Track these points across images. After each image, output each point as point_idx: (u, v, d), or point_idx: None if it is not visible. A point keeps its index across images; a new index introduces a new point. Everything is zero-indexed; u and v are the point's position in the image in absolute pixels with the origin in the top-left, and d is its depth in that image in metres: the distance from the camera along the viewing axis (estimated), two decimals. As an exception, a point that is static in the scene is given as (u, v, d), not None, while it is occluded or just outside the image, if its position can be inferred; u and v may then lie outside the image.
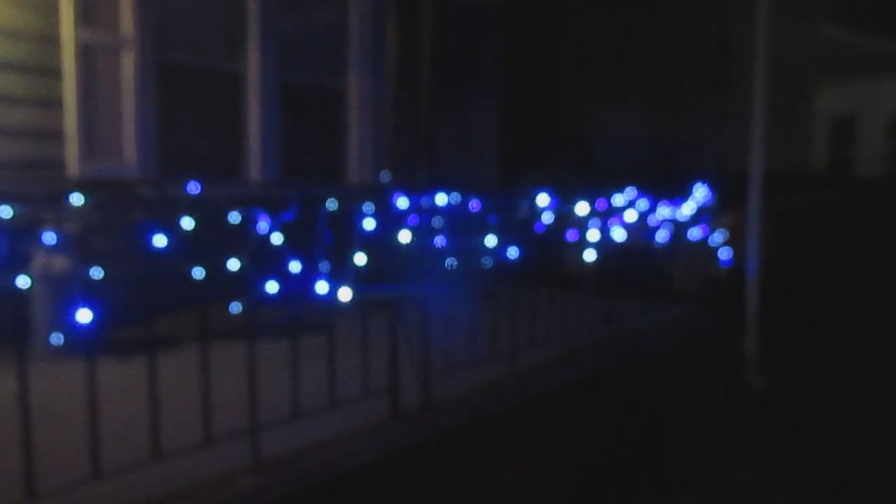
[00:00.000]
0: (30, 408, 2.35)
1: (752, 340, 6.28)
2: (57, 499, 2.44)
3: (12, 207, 2.28)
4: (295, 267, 3.06)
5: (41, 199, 2.53)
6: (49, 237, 2.78)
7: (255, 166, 6.54)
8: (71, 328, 2.50)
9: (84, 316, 2.51)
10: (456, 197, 3.83)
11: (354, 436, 3.29)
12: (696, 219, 6.59)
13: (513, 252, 4.33)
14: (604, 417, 4.73)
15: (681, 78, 12.17)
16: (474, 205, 4.03)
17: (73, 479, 2.50)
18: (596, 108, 13.02)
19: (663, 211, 6.15)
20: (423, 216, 3.61)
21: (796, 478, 5.38)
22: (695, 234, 6.62)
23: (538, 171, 10.15)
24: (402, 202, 3.48)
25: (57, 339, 2.69)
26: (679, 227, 6.47)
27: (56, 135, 5.24)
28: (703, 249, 6.75)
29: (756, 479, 5.37)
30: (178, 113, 6.05)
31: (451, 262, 3.84)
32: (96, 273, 2.56)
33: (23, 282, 2.40)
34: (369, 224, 3.34)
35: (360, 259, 3.31)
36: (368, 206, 3.35)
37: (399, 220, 3.49)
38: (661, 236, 6.21)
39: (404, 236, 3.48)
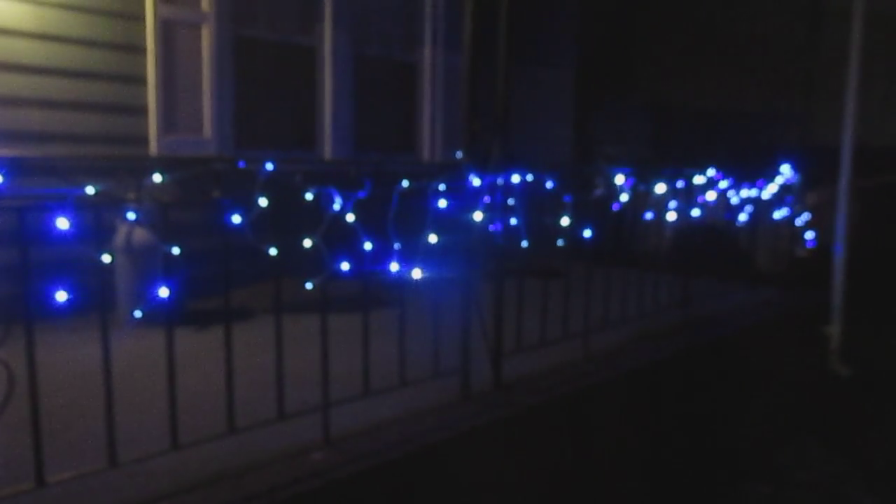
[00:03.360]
0: (112, 379, 2.42)
1: (838, 326, 6.00)
2: (136, 468, 2.51)
3: (94, 186, 2.32)
4: (367, 245, 3.04)
5: (124, 175, 2.58)
6: (131, 212, 2.83)
7: (328, 141, 6.58)
8: (151, 299, 2.55)
9: (163, 290, 2.56)
10: (530, 176, 3.74)
11: (425, 415, 3.28)
12: (779, 198, 6.30)
13: (587, 231, 4.23)
14: (679, 401, 4.61)
15: (766, 45, 11.64)
16: (549, 184, 3.94)
17: (151, 448, 2.57)
18: (674, 79, 12.60)
19: (745, 191, 5.90)
20: (496, 195, 3.54)
21: (880, 472, 5.15)
22: (778, 214, 6.35)
23: (614, 146, 9.93)
24: (476, 181, 3.42)
25: (138, 311, 2.75)
26: (762, 207, 6.21)
27: (139, 110, 5.37)
28: (787, 230, 6.47)
29: (838, 470, 5.16)
30: (253, 87, 6.12)
31: (524, 241, 3.76)
32: (175, 247, 2.60)
33: (106, 255, 2.46)
34: (442, 203, 3.30)
35: (433, 238, 3.28)
36: (441, 185, 3.31)
37: (472, 198, 3.43)
38: (743, 216, 5.97)
39: (477, 216, 3.42)
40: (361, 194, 2.98)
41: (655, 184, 4.81)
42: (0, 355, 2.09)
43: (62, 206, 2.27)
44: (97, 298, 2.42)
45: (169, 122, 5.47)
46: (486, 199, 3.48)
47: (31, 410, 2.23)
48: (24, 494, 2.26)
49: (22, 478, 2.25)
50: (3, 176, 2.17)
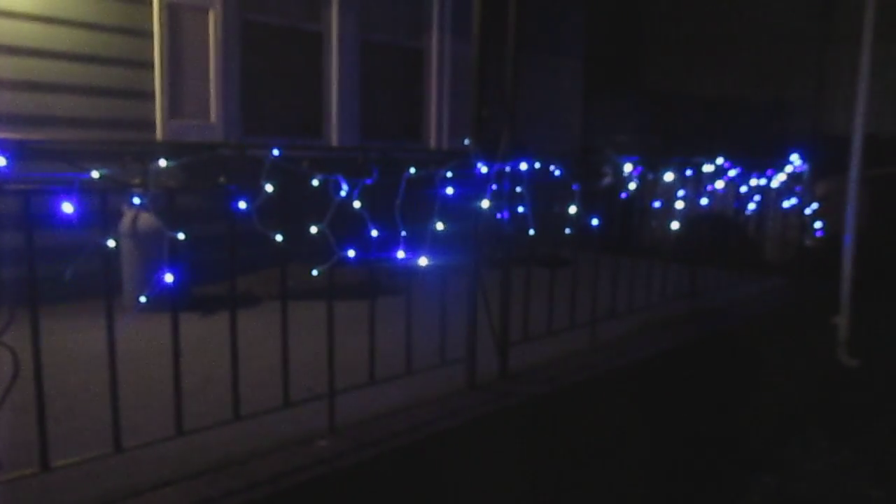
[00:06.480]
0: (117, 364, 2.41)
1: (846, 317, 5.96)
2: (142, 454, 2.50)
3: (100, 171, 2.31)
4: (374, 232, 3.02)
5: (130, 160, 2.56)
6: (136, 197, 2.81)
7: (334, 127, 6.55)
8: (156, 284, 2.54)
9: (169, 276, 2.54)
10: (538, 164, 3.71)
11: (431, 403, 3.27)
12: (788, 187, 6.26)
13: (594, 220, 4.20)
14: (686, 392, 4.60)
15: (776, 34, 11.54)
16: (557, 172, 3.91)
17: (156, 434, 2.56)
18: (683, 69, 12.51)
19: (753, 180, 5.86)
20: (504, 183, 3.51)
21: (886, 464, 5.13)
22: (787, 203, 6.30)
23: (622, 135, 9.87)
24: (483, 169, 3.39)
25: (143, 296, 2.74)
26: (770, 196, 6.17)
27: (145, 94, 5.35)
28: (796, 220, 6.43)
29: (844, 462, 5.14)
30: (259, 73, 6.09)
31: (531, 230, 3.73)
32: (181, 232, 2.58)
33: (111, 240, 2.45)
34: (449, 190, 3.28)
35: (440, 225, 3.26)
36: (448, 172, 3.28)
37: (479, 186, 3.40)
38: (751, 206, 5.93)
39: (485, 204, 3.40)
40: (368, 181, 2.96)
41: (664, 173, 4.78)
42: (5, 340, 2.08)
43: (68, 191, 2.25)
44: (102, 283, 2.41)
45: (175, 107, 5.45)
46: (494, 186, 3.45)
47: (36, 395, 2.22)
48: (28, 479, 2.25)
49: (27, 462, 2.25)
50: (8, 160, 2.15)
